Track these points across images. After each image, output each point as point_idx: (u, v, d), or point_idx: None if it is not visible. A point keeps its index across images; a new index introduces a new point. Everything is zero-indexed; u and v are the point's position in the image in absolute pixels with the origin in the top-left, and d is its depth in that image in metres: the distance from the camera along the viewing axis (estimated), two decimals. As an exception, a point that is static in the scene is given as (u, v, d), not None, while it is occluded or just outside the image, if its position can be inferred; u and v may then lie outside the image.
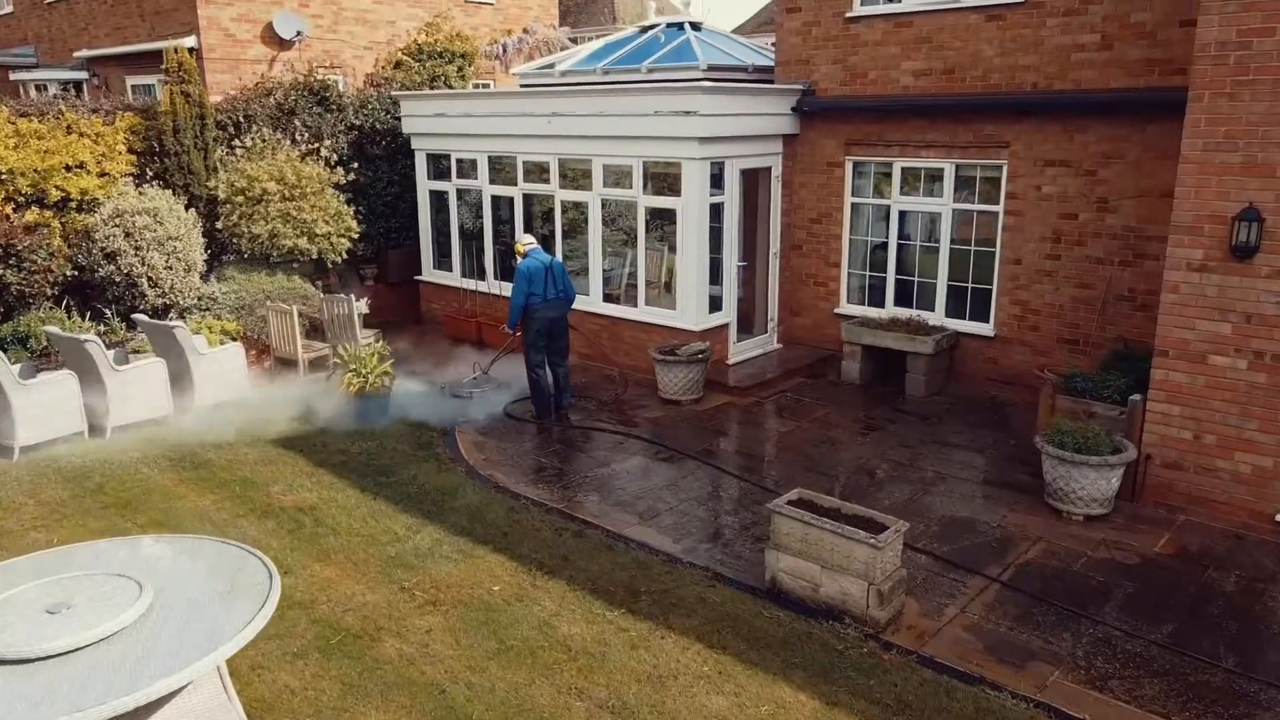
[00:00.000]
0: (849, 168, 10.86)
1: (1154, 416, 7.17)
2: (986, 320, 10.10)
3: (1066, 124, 9.15)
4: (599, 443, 8.84)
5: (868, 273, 11.03)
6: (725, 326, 10.80)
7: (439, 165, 12.96)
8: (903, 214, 10.54)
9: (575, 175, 11.23)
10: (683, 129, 9.80)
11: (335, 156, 12.21)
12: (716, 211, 10.40)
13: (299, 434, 8.96)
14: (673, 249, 10.87)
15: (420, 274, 13.55)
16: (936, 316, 10.37)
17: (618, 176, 10.74)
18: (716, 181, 10.32)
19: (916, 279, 10.60)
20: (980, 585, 6.16)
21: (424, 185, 13.13)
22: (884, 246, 10.77)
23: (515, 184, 11.86)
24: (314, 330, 11.15)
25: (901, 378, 10.19)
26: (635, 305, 10.97)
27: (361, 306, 10.84)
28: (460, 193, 12.72)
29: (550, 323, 9.19)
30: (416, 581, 6.10)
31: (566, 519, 7.15)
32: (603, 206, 10.99)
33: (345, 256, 12.06)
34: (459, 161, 12.55)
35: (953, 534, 6.88)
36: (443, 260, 13.30)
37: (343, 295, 10.87)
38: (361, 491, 7.64)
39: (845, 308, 11.17)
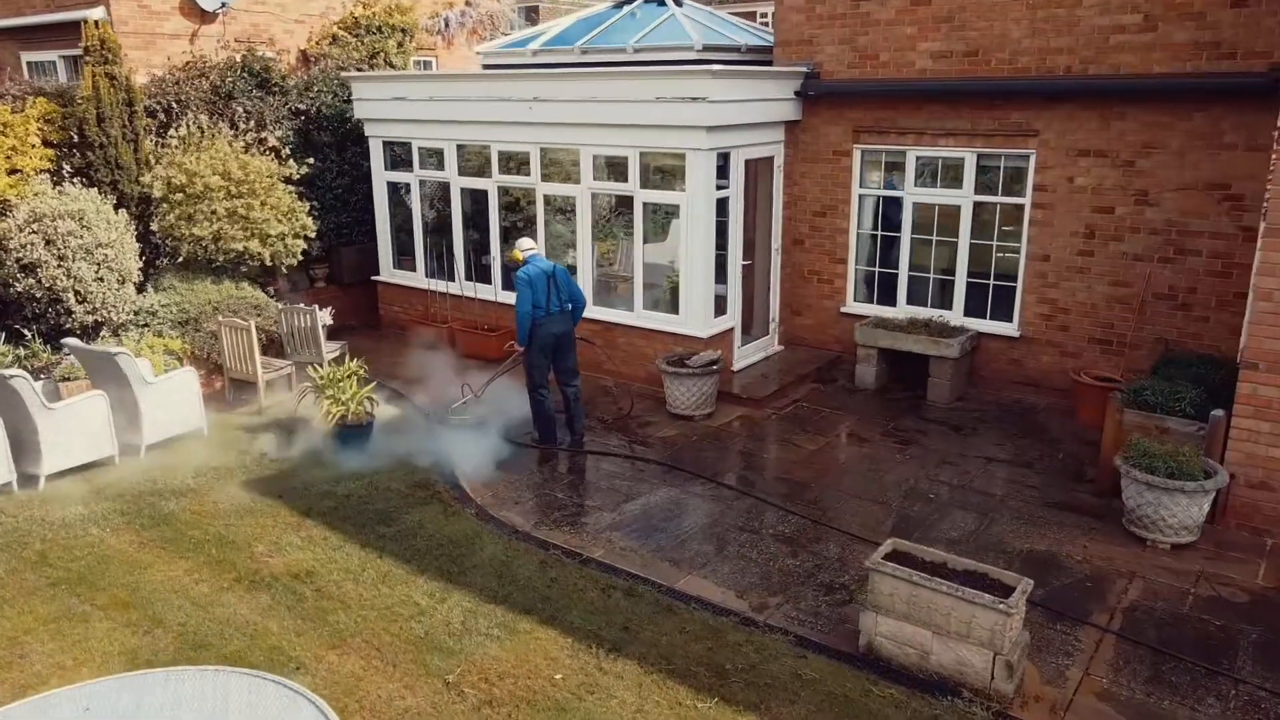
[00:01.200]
0: (857, 157, 10.09)
1: (1239, 433, 6.64)
2: (1010, 320, 9.51)
3: (1103, 111, 8.55)
4: (616, 471, 7.93)
5: (877, 269, 10.32)
6: (730, 331, 9.97)
7: (397, 154, 11.71)
8: (916, 206, 9.86)
9: (559, 166, 10.19)
10: (689, 117, 8.87)
11: (286, 150, 10.84)
12: (720, 206, 9.53)
13: (273, 474, 7.79)
14: (644, 241, 9.99)
15: (378, 274, 12.31)
16: (954, 316, 9.74)
17: (610, 168, 9.76)
18: (721, 173, 9.44)
19: (932, 276, 9.95)
20: (1093, 638, 5.53)
21: (380, 176, 11.86)
22: (895, 241, 10.08)
23: (489, 175, 10.74)
24: (269, 344, 9.89)
25: (917, 381, 9.56)
26: (631, 309, 10.04)
27: (325, 317, 9.65)
28: (423, 184, 11.51)
29: (556, 338, 8.19)
30: (461, 672, 5.13)
31: (609, 573, 6.25)
32: (591, 200, 10.01)
33: (301, 258, 10.76)
34: (422, 151, 11.34)
35: (1040, 573, 6.23)
36: (404, 259, 12.09)
37: (304, 305, 9.64)
38: (363, 548, 6.58)
39: (852, 306, 10.46)
